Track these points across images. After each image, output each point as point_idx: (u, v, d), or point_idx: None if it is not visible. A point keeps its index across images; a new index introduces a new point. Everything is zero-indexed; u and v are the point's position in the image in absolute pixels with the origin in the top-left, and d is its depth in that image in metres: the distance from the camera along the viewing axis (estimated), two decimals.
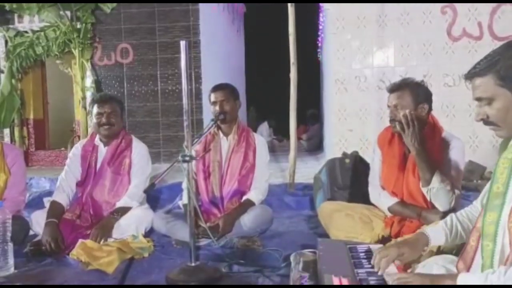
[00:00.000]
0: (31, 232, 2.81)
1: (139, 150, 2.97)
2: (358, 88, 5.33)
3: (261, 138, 3.08)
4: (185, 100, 2.13)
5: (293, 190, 4.20)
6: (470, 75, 1.33)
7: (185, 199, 2.79)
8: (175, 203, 3.47)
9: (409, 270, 1.61)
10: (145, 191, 2.34)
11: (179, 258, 2.41)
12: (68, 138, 7.27)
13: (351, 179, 3.16)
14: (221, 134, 2.94)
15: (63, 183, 2.90)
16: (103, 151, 2.95)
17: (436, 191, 2.13)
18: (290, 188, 4.22)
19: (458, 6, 5.08)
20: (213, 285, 2.08)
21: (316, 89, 10.24)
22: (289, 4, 4.20)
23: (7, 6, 6.53)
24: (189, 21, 6.68)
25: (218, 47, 8.37)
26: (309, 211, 3.65)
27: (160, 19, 6.72)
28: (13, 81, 6.84)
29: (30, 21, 6.87)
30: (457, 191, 2.17)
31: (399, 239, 2.22)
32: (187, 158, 2.08)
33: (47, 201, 2.84)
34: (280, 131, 10.81)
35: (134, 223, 2.75)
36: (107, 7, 6.68)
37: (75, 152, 2.99)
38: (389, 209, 2.38)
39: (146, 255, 2.50)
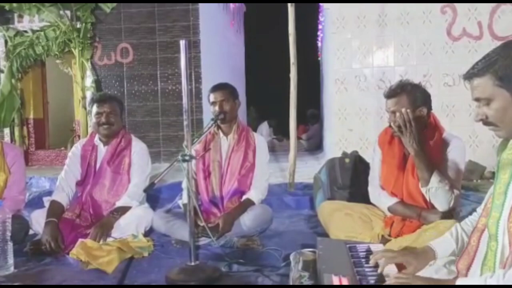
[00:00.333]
0: (31, 232, 2.81)
1: (138, 149, 2.97)
2: (358, 88, 5.33)
3: (260, 138, 3.08)
4: (185, 100, 2.13)
5: (293, 189, 4.20)
6: (469, 76, 1.33)
7: (185, 199, 2.79)
8: (174, 203, 3.47)
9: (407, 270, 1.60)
10: (145, 191, 2.34)
11: (178, 258, 2.41)
12: (68, 137, 7.28)
13: (351, 178, 3.16)
14: (221, 134, 2.94)
15: (63, 183, 2.90)
16: (102, 150, 2.95)
17: (435, 191, 2.13)
18: (290, 187, 4.22)
19: (458, 6, 5.08)
20: (212, 284, 2.08)
21: (316, 88, 10.24)
22: (289, 4, 4.19)
23: (7, 5, 6.53)
24: (189, 21, 6.68)
25: (218, 46, 8.37)
26: (309, 211, 3.65)
27: (160, 18, 6.72)
28: (13, 80, 6.84)
29: (30, 21, 6.87)
30: (456, 191, 2.17)
31: (399, 238, 2.22)
32: (187, 158, 2.08)
33: (46, 201, 2.83)
34: (280, 131, 10.81)
35: (133, 222, 2.75)
36: (107, 7, 6.68)
37: (74, 152, 2.99)
38: (389, 209, 2.38)
39: (145, 254, 2.50)
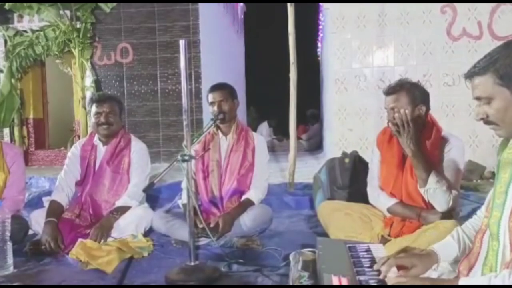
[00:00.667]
0: (30, 232, 2.81)
1: (138, 149, 2.97)
2: (358, 88, 5.33)
3: (260, 138, 3.08)
4: (184, 100, 2.13)
5: (293, 189, 4.20)
6: (470, 74, 1.33)
7: (184, 199, 2.78)
8: (174, 203, 3.47)
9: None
10: (145, 191, 2.34)
11: (178, 258, 2.41)
12: (67, 137, 7.28)
13: (350, 178, 3.15)
14: (220, 134, 2.94)
15: (62, 183, 2.89)
16: (102, 150, 2.95)
17: (433, 192, 2.13)
18: (289, 187, 4.22)
19: (458, 5, 5.08)
20: (212, 284, 2.08)
21: (316, 88, 10.25)
22: (288, 4, 4.19)
23: (7, 5, 6.53)
24: (189, 21, 6.68)
25: (218, 46, 8.37)
26: (308, 211, 3.65)
27: (159, 18, 6.72)
28: (13, 80, 6.84)
29: (29, 21, 6.87)
30: (455, 191, 2.16)
31: (398, 239, 2.22)
32: (186, 158, 2.08)
33: (46, 201, 2.83)
34: (280, 131, 10.81)
35: (133, 222, 2.75)
36: (107, 7, 6.68)
37: (74, 152, 2.99)
38: (388, 209, 2.37)
39: (145, 254, 2.50)
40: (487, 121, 1.33)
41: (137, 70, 6.82)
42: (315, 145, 9.14)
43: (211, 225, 2.60)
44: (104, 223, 2.67)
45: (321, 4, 7.08)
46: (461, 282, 1.25)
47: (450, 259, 1.56)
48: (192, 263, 2.12)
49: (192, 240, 2.12)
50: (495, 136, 1.39)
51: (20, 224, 2.71)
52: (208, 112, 2.98)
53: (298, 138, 7.48)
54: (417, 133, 2.19)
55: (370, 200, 2.51)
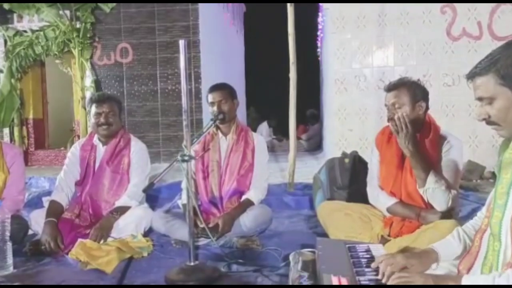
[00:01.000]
0: (30, 232, 2.81)
1: (138, 149, 2.97)
2: (358, 88, 5.33)
3: (260, 138, 3.08)
4: (184, 100, 2.13)
5: (293, 189, 4.20)
6: (471, 75, 1.33)
7: (184, 199, 2.78)
8: (174, 203, 3.47)
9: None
10: (144, 191, 2.34)
11: (178, 258, 2.41)
12: (67, 137, 7.28)
13: (350, 178, 3.15)
14: (220, 134, 2.94)
15: (62, 183, 2.89)
16: (101, 150, 2.94)
17: (432, 192, 2.13)
18: (289, 187, 4.22)
19: (458, 6, 5.08)
20: (212, 285, 2.08)
21: (316, 88, 10.25)
22: (288, 4, 4.19)
23: (6, 5, 6.53)
24: (189, 21, 6.68)
25: (218, 46, 8.37)
26: (308, 211, 3.65)
27: (159, 18, 6.72)
28: (13, 80, 6.84)
29: (29, 21, 6.87)
30: (454, 191, 2.16)
31: (398, 239, 2.22)
32: (186, 158, 2.08)
33: (46, 201, 2.83)
34: (280, 131, 10.81)
35: (133, 222, 2.75)
36: (107, 7, 6.68)
37: (73, 152, 2.99)
38: (388, 209, 2.37)
39: (145, 254, 2.50)
40: (489, 121, 1.32)
41: (137, 70, 6.82)
42: (315, 145, 9.14)
43: (211, 225, 2.59)
44: (104, 223, 2.67)
45: (321, 4, 7.07)
46: (464, 280, 1.25)
47: (451, 259, 1.56)
48: (192, 263, 2.12)
49: (191, 240, 2.12)
50: (495, 136, 1.39)
51: (20, 224, 2.70)
52: (208, 112, 2.98)
53: (298, 138, 7.48)
54: (416, 133, 2.20)
55: (370, 200, 2.51)
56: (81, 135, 6.35)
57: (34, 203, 3.84)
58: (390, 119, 2.29)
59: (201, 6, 6.79)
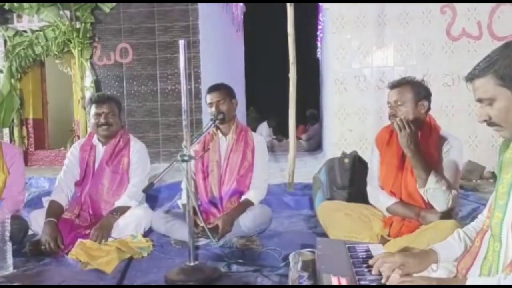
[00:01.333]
0: (30, 232, 2.81)
1: (137, 149, 2.97)
2: (357, 88, 5.34)
3: (260, 138, 3.08)
4: (184, 100, 2.13)
5: (292, 189, 4.20)
6: (470, 77, 1.33)
7: (184, 199, 2.78)
8: (174, 203, 3.47)
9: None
10: (144, 191, 2.33)
11: (178, 258, 2.40)
12: (67, 137, 7.28)
13: (350, 178, 3.16)
14: (219, 134, 2.94)
15: (62, 183, 2.89)
16: (101, 150, 2.94)
17: (433, 192, 2.13)
18: (289, 187, 4.22)
19: (458, 6, 5.08)
20: (212, 285, 2.08)
21: (315, 89, 10.25)
22: (288, 4, 4.19)
23: (6, 5, 6.53)
24: (189, 21, 6.68)
25: (217, 47, 8.37)
26: (308, 211, 3.65)
27: (159, 18, 6.72)
28: (13, 80, 6.84)
29: (29, 21, 6.87)
30: (454, 191, 2.17)
31: (398, 238, 2.22)
32: (186, 158, 2.08)
33: (46, 201, 2.83)
34: (280, 131, 10.81)
35: (133, 222, 2.75)
36: (107, 7, 6.69)
37: (73, 152, 2.99)
38: (388, 209, 2.38)
39: (145, 254, 2.50)
40: (490, 123, 1.32)
41: (137, 70, 6.82)
42: (315, 145, 9.14)
43: (211, 226, 2.59)
44: (104, 223, 2.67)
45: (320, 4, 7.08)
46: (469, 281, 1.25)
47: (451, 260, 1.55)
48: (192, 263, 2.12)
49: (191, 240, 2.12)
50: (494, 136, 1.39)
51: (19, 224, 2.70)
52: (208, 112, 2.98)
53: (298, 138, 7.49)
54: (417, 133, 2.20)
55: (370, 199, 2.51)
56: (81, 135, 6.35)
57: (34, 203, 3.84)
58: (392, 115, 2.29)
59: (201, 6, 6.79)
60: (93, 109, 2.88)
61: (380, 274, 1.46)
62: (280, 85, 6.76)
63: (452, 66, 5.09)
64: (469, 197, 3.67)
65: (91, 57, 6.81)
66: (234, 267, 2.26)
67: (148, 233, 2.86)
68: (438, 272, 1.51)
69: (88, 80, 6.77)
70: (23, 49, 6.76)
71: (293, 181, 4.24)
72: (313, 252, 1.82)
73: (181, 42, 2.11)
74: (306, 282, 1.61)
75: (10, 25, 6.89)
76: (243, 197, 2.83)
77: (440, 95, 5.03)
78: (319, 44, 9.63)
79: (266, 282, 2.07)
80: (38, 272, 2.29)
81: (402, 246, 2.04)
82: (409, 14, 5.17)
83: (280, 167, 5.77)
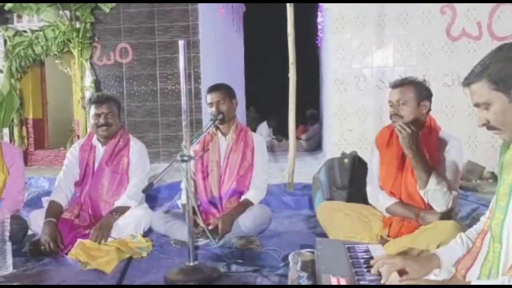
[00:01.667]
0: (29, 232, 2.81)
1: (137, 149, 2.97)
2: (357, 88, 5.33)
3: (259, 138, 3.08)
4: (183, 100, 2.13)
5: (292, 190, 4.20)
6: (467, 82, 1.33)
7: (183, 199, 2.78)
8: (173, 203, 3.47)
9: None
10: (144, 191, 2.33)
11: (177, 258, 2.40)
12: (67, 137, 7.28)
13: (349, 179, 3.16)
14: (219, 134, 2.94)
15: (62, 183, 2.89)
16: (100, 151, 2.94)
17: (433, 193, 2.13)
18: (289, 188, 4.22)
19: (458, 6, 5.08)
20: (211, 285, 2.08)
21: (315, 89, 10.25)
22: (287, 4, 4.19)
23: (6, 5, 6.53)
24: (188, 21, 6.68)
25: (217, 46, 8.37)
26: (308, 211, 3.65)
27: (159, 19, 6.72)
28: (12, 80, 6.85)
29: (29, 21, 6.87)
30: (454, 192, 2.17)
31: (397, 239, 2.22)
32: (185, 158, 2.08)
33: (45, 201, 2.83)
34: (280, 131, 10.81)
35: (132, 222, 2.75)
36: (107, 7, 6.69)
37: (73, 152, 2.99)
38: (387, 210, 2.37)
39: (144, 254, 2.50)
40: (489, 126, 1.33)
41: (137, 70, 6.82)
42: (315, 145, 9.14)
43: (211, 227, 2.59)
44: (104, 223, 2.66)
45: (321, 4, 7.08)
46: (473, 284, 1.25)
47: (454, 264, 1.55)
48: (191, 264, 2.12)
49: (191, 240, 2.12)
50: (494, 137, 1.39)
51: (19, 224, 2.70)
52: (208, 112, 2.98)
53: (298, 138, 7.48)
54: (418, 133, 2.20)
55: (369, 200, 2.51)
56: (81, 135, 6.35)
57: (33, 203, 3.84)
58: (394, 115, 2.29)
59: (201, 6, 6.79)
60: (92, 110, 2.88)
61: (379, 274, 1.46)
62: (280, 85, 6.76)
63: (452, 66, 5.09)
64: (468, 198, 3.67)
65: (91, 57, 6.81)
66: (234, 267, 2.25)
67: (147, 233, 2.86)
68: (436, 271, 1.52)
69: (88, 80, 6.77)
70: (23, 49, 6.77)
71: (293, 181, 4.24)
72: (313, 252, 1.82)
73: (181, 42, 2.11)
74: (305, 282, 1.61)
75: (10, 25, 6.89)
76: (242, 197, 2.82)
77: (440, 95, 5.02)
78: (319, 44, 9.63)
79: (266, 282, 2.06)
80: (38, 272, 2.29)
81: (401, 247, 2.05)
82: (409, 14, 5.17)
83: (280, 167, 5.77)
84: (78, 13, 6.66)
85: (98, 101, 2.89)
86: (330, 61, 5.69)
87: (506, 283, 1.16)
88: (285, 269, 2.09)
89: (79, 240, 2.49)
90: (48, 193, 3.52)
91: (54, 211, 2.73)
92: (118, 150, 2.93)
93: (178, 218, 2.76)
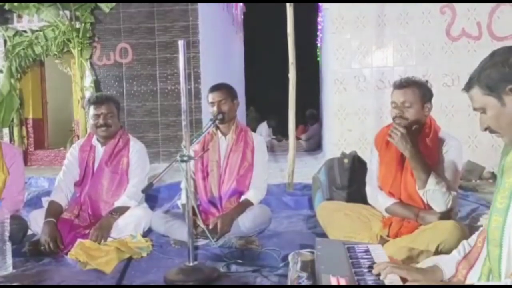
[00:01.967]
0: (29, 232, 2.81)
1: (137, 149, 2.97)
2: (357, 88, 5.33)
3: (259, 138, 3.08)
4: (183, 100, 2.13)
5: (292, 190, 4.20)
6: (466, 88, 1.36)
7: (183, 199, 2.78)
8: (173, 203, 3.47)
9: None
10: (143, 191, 2.34)
11: (177, 258, 2.41)
12: (67, 137, 7.28)
13: (349, 179, 3.16)
14: (219, 134, 2.94)
15: (61, 183, 2.89)
16: (100, 151, 2.94)
17: (432, 193, 2.13)
18: (288, 188, 4.22)
19: (457, 6, 5.08)
20: (211, 285, 2.08)
21: (315, 89, 10.25)
22: (287, 4, 4.19)
23: (6, 5, 6.53)
24: (188, 21, 6.68)
25: (217, 47, 8.37)
26: (307, 211, 3.65)
27: (159, 18, 6.72)
28: (12, 80, 6.84)
29: (29, 21, 6.87)
30: (454, 192, 2.17)
31: (397, 239, 2.22)
32: (185, 158, 2.08)
33: (45, 201, 2.83)
34: (280, 131, 10.82)
35: (132, 222, 2.75)
36: (106, 7, 6.68)
37: (72, 152, 2.99)
38: (387, 209, 2.37)
39: (144, 254, 2.50)
40: (490, 130, 1.35)
41: (137, 70, 6.81)
42: (314, 145, 9.14)
43: (210, 227, 2.59)
44: (104, 223, 2.67)
45: (320, 4, 7.08)
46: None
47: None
48: (191, 264, 2.12)
49: (191, 241, 2.12)
50: (494, 137, 1.40)
51: (19, 224, 2.71)
52: (208, 112, 2.98)
53: (297, 138, 7.48)
54: (412, 133, 2.20)
55: (369, 200, 2.51)
56: (81, 135, 6.35)
57: (33, 203, 3.84)
58: (399, 117, 2.27)
59: (201, 6, 6.79)
60: (91, 110, 2.88)
61: (379, 275, 1.46)
62: (280, 85, 6.76)
63: (452, 66, 5.09)
64: (468, 198, 3.67)
65: (90, 57, 6.81)
66: (233, 267, 2.25)
67: (147, 233, 2.86)
68: None
69: (88, 80, 6.77)
70: (23, 49, 6.76)
71: (293, 181, 4.24)
72: (312, 252, 1.82)
73: (181, 42, 2.11)
74: (305, 282, 1.61)
75: (10, 25, 6.88)
76: (242, 197, 2.83)
77: (440, 95, 5.01)
78: (319, 44, 9.63)
79: (265, 282, 2.07)
80: (38, 272, 2.29)
81: (401, 246, 2.05)
82: (409, 14, 5.17)
83: (280, 167, 5.77)
84: (78, 13, 6.65)
85: (97, 101, 2.89)
86: (330, 61, 5.69)
87: (509, 284, 1.16)
88: (285, 269, 2.09)
89: (79, 240, 2.49)
90: (48, 193, 3.52)
91: (54, 211, 2.73)
92: (117, 150, 2.93)
93: (178, 218, 2.76)
